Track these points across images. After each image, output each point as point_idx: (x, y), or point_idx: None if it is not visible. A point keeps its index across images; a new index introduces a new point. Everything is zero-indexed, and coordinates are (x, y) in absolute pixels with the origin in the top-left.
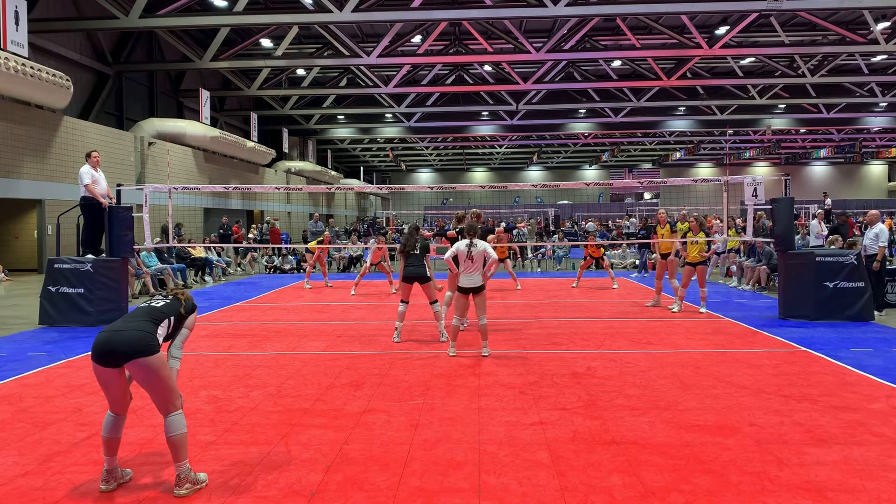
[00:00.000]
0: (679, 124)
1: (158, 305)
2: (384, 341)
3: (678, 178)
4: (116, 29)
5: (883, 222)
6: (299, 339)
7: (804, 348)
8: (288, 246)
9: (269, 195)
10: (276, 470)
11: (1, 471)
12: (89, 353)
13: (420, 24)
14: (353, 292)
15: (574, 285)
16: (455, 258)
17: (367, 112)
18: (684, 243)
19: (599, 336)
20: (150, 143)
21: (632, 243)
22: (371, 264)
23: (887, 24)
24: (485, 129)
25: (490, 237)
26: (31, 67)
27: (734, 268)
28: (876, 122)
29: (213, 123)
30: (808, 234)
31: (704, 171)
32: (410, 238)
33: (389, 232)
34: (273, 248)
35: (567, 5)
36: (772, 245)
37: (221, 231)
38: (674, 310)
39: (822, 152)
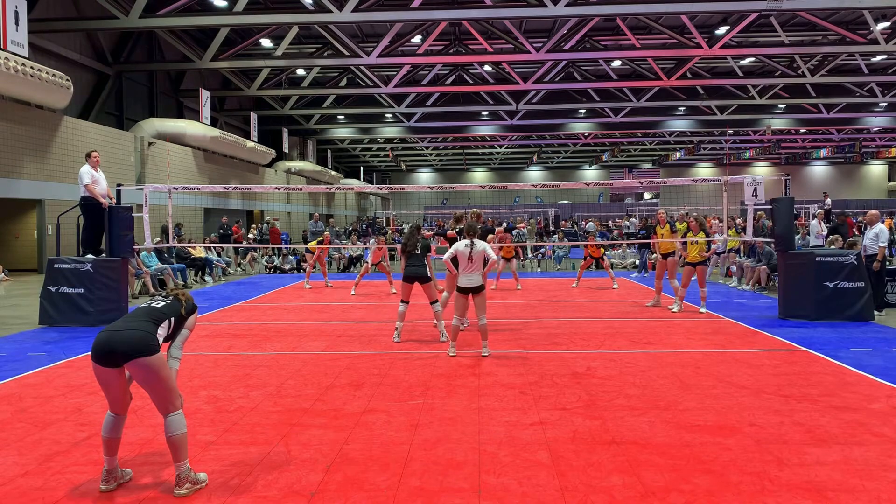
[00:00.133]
0: (679, 124)
1: (159, 306)
2: (384, 341)
3: (678, 178)
4: (116, 29)
5: (882, 222)
6: (299, 339)
7: (804, 348)
8: (288, 246)
9: (269, 195)
10: (276, 470)
11: (1, 471)
12: (89, 353)
13: (420, 24)
14: (352, 292)
15: (574, 285)
16: (454, 259)
17: (367, 112)
18: (684, 243)
19: (599, 336)
20: (150, 143)
21: (632, 243)
22: (371, 264)
23: (887, 24)
24: (485, 129)
25: (490, 237)
26: (31, 67)
27: (734, 268)
28: (876, 122)
29: (213, 123)
30: (808, 234)
31: (704, 171)
32: (411, 238)
33: (390, 232)
34: (273, 248)
35: (567, 5)
36: (772, 245)
37: (221, 231)
38: (674, 310)
39: (822, 152)
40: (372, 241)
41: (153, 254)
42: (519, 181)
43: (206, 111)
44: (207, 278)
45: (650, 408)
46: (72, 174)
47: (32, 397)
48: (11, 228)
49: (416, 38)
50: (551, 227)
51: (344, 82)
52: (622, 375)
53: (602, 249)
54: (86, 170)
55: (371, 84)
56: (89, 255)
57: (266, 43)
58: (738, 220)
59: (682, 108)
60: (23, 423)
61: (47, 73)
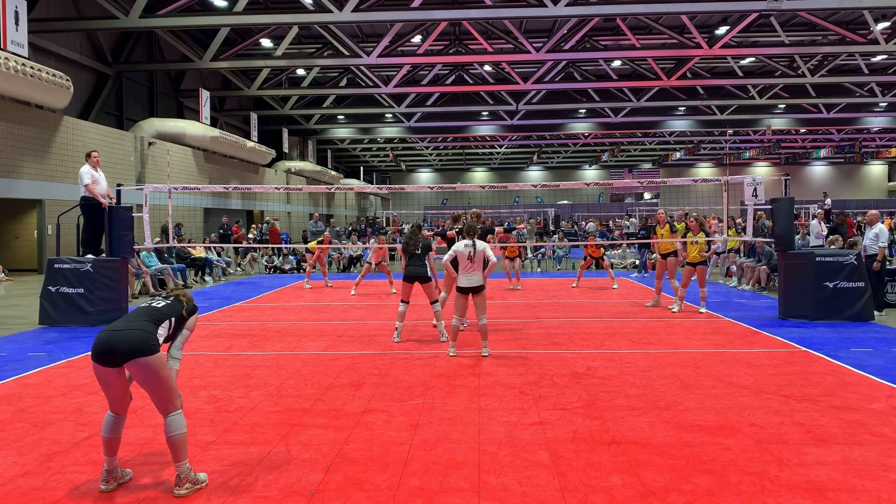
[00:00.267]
0: (679, 124)
1: (159, 306)
2: (384, 341)
3: (678, 178)
4: (116, 29)
5: (882, 222)
6: (299, 339)
7: (804, 348)
8: (288, 246)
9: (269, 195)
10: (276, 470)
11: (1, 471)
12: (89, 352)
13: (420, 24)
14: (353, 292)
15: (574, 285)
16: (454, 260)
17: (367, 112)
18: (684, 243)
19: (599, 336)
20: (150, 143)
21: (632, 243)
22: (374, 264)
23: (887, 24)
24: (485, 129)
25: (489, 237)
26: (31, 67)
27: (734, 268)
28: (876, 122)
29: (213, 123)
30: (808, 234)
31: (704, 171)
32: (412, 238)
33: (391, 232)
34: (273, 248)
35: (567, 5)
36: (772, 245)
37: (221, 231)
38: (674, 310)
39: (822, 152)
40: (372, 241)
41: (153, 254)
42: (519, 181)
43: (206, 111)
44: (207, 278)
45: (650, 408)
46: (72, 174)
47: (32, 397)
48: (11, 228)
49: (416, 38)
50: (551, 227)
51: (344, 82)
52: (622, 375)
53: (602, 249)
54: (86, 170)
55: (371, 84)
56: (89, 255)
57: (266, 43)
58: (738, 220)
59: (682, 108)
60: (23, 423)
61: (47, 73)
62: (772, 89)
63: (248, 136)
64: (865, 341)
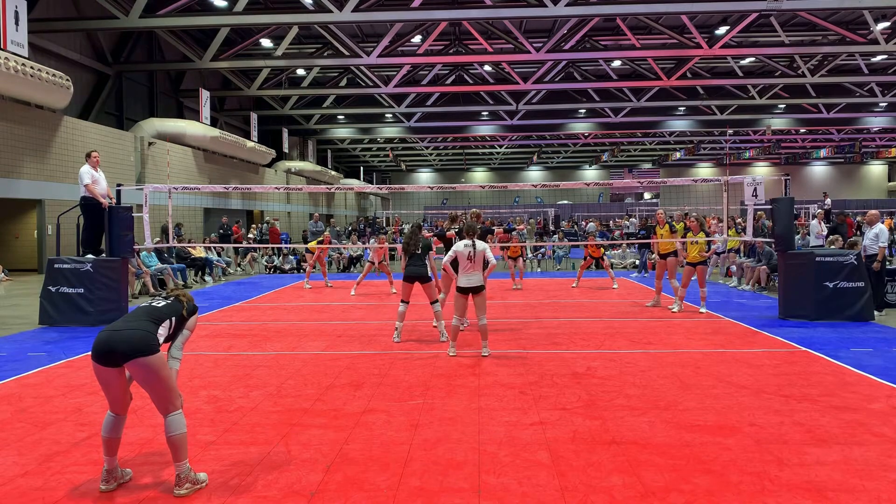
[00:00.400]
0: (679, 124)
1: (159, 306)
2: (384, 341)
3: (678, 178)
4: (116, 29)
5: (882, 222)
6: (299, 339)
7: (804, 348)
8: (288, 246)
9: (269, 195)
10: (276, 470)
11: (1, 471)
12: (89, 352)
13: (420, 24)
14: (352, 293)
15: (574, 285)
16: (454, 261)
17: (367, 112)
18: (684, 243)
19: (599, 336)
20: (150, 143)
21: (632, 243)
22: (376, 263)
23: (887, 24)
24: (485, 129)
25: (489, 237)
26: (31, 67)
27: (734, 268)
28: (876, 122)
29: (213, 123)
30: (808, 234)
31: (704, 171)
32: (412, 238)
33: (390, 232)
34: (273, 248)
35: (567, 5)
36: (772, 245)
37: (221, 231)
38: (674, 310)
39: (822, 152)
40: (373, 241)
41: (153, 254)
42: (519, 181)
43: (206, 111)
44: (207, 278)
45: (650, 408)
46: (72, 174)
47: (32, 397)
48: (11, 228)
49: (416, 38)
50: (551, 227)
51: (344, 82)
52: (622, 375)
53: (602, 249)
54: (86, 170)
55: (371, 84)
56: (89, 255)
57: (266, 43)
58: (739, 220)
59: (682, 108)
60: (23, 423)
61: (47, 73)
62: (772, 89)
63: (248, 136)
64: (865, 341)
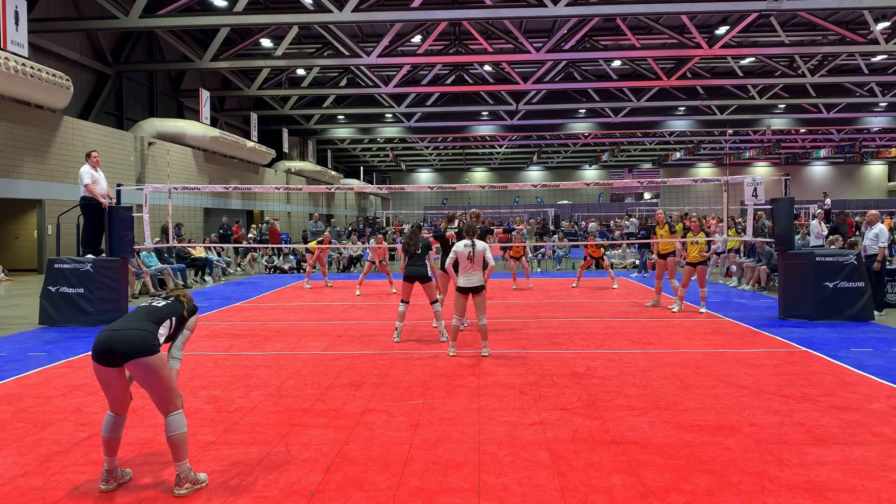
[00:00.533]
0: (679, 124)
1: (160, 306)
2: (384, 341)
3: (678, 178)
4: (116, 29)
5: (882, 222)
6: (299, 339)
7: (804, 348)
8: (288, 246)
9: (269, 195)
10: (276, 470)
11: (1, 471)
12: (90, 352)
13: (420, 24)
14: (357, 293)
15: (574, 285)
16: (455, 262)
17: (367, 112)
18: (684, 243)
19: (599, 336)
20: (150, 143)
21: (632, 243)
22: (376, 262)
23: (887, 24)
24: (485, 129)
25: (489, 237)
26: (31, 67)
27: (734, 268)
28: (876, 122)
29: (213, 123)
30: (808, 234)
31: (704, 171)
32: (412, 238)
33: (391, 232)
34: (273, 248)
35: (567, 5)
36: (772, 245)
37: (221, 231)
38: (674, 310)
39: (822, 152)
40: (372, 241)
41: (153, 254)
42: (519, 181)
43: (206, 111)
44: (207, 278)
45: (650, 408)
46: (72, 174)
47: (32, 397)
48: (11, 228)
49: (416, 38)
50: (550, 227)
51: (344, 82)
52: (622, 375)
53: (602, 249)
54: (86, 170)
55: (371, 84)
56: (89, 255)
57: (266, 43)
58: (739, 220)
59: (682, 108)
60: (23, 423)
61: (47, 73)
62: (772, 89)
63: (248, 136)
64: (865, 341)
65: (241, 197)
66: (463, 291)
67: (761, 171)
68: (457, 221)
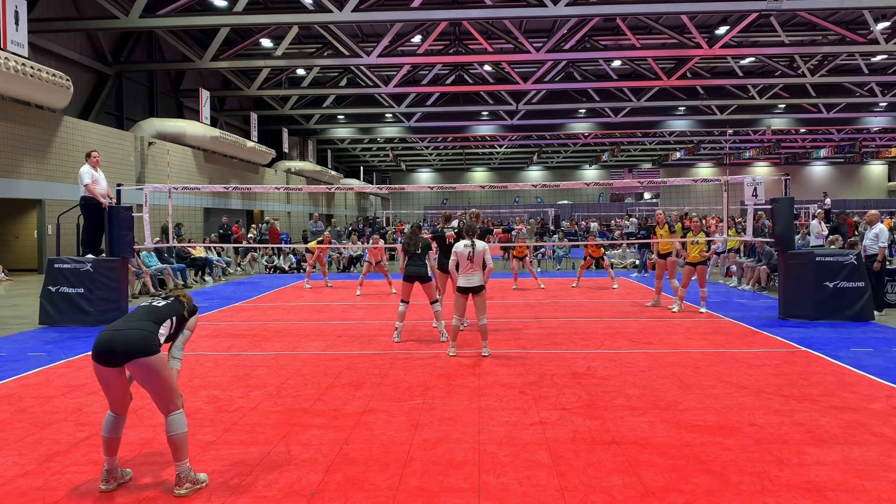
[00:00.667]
0: (679, 124)
1: (160, 306)
2: (384, 341)
3: (678, 178)
4: (116, 29)
5: (882, 222)
6: (299, 339)
7: (804, 348)
8: (288, 246)
9: (269, 195)
10: (276, 470)
11: (1, 471)
12: (90, 352)
13: (420, 24)
14: (358, 293)
15: (574, 285)
16: (456, 263)
17: (367, 112)
18: (683, 243)
19: (599, 336)
20: (150, 143)
21: (632, 243)
22: (373, 262)
23: (887, 24)
24: (485, 129)
25: (488, 237)
26: (31, 67)
27: (734, 268)
28: (876, 122)
29: (213, 123)
30: (808, 234)
31: (704, 171)
32: (412, 238)
33: (391, 232)
34: (273, 248)
35: (567, 5)
36: (772, 245)
37: (221, 231)
38: (674, 310)
39: (822, 152)
40: (370, 241)
41: (153, 254)
42: (519, 181)
43: (206, 111)
44: (207, 278)
45: (650, 408)
46: (72, 174)
47: (32, 397)
48: (11, 228)
49: (416, 38)
50: (550, 227)
51: (344, 82)
52: (622, 375)
53: (602, 249)
54: (86, 170)
55: (371, 84)
56: (89, 255)
57: (266, 43)
58: (739, 220)
59: (682, 108)
60: (23, 423)
61: (47, 73)
62: (772, 89)
63: (248, 136)
64: (865, 341)
65: (241, 197)
66: (463, 291)
67: (761, 171)
68: (456, 221)
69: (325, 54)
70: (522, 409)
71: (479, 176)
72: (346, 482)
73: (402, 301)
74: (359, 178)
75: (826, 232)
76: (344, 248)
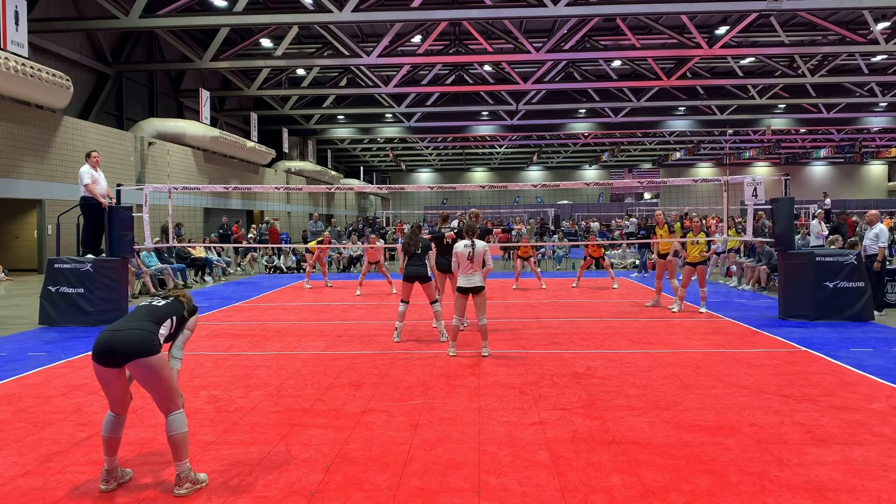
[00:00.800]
0: (679, 124)
1: (160, 305)
2: (384, 341)
3: (678, 178)
4: (116, 29)
5: (882, 222)
6: (299, 339)
7: (804, 348)
8: (288, 246)
9: (269, 195)
10: (276, 470)
11: (1, 471)
12: (90, 352)
13: (420, 24)
14: (358, 293)
15: (574, 285)
16: (456, 263)
17: (367, 112)
18: (683, 243)
19: (599, 336)
20: (150, 143)
21: (632, 243)
22: (370, 263)
23: (887, 24)
24: (485, 129)
25: (488, 237)
26: (31, 67)
27: (734, 268)
28: (876, 122)
29: (213, 123)
30: (809, 234)
31: (704, 171)
32: (412, 238)
33: (391, 232)
34: (273, 248)
35: (567, 5)
36: (772, 245)
37: (221, 231)
38: (674, 310)
39: (822, 152)
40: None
41: (153, 254)
42: (519, 181)
43: (206, 111)
44: (207, 278)
45: (650, 408)
46: (72, 174)
47: (32, 397)
48: (11, 228)
49: (416, 38)
50: (550, 227)
51: (344, 82)
52: (622, 375)
53: (602, 249)
54: (86, 170)
55: (371, 84)
56: (89, 255)
57: (266, 43)
58: (739, 220)
59: (682, 108)
60: (23, 423)
61: (47, 73)
62: (772, 89)
63: (248, 136)
64: (865, 341)
65: (241, 197)
66: (463, 291)
67: (761, 171)
68: (455, 221)
69: (325, 54)
70: (522, 409)
71: (479, 176)
72: (346, 482)
73: (402, 301)
74: (359, 178)
75: (826, 232)
76: (344, 248)
